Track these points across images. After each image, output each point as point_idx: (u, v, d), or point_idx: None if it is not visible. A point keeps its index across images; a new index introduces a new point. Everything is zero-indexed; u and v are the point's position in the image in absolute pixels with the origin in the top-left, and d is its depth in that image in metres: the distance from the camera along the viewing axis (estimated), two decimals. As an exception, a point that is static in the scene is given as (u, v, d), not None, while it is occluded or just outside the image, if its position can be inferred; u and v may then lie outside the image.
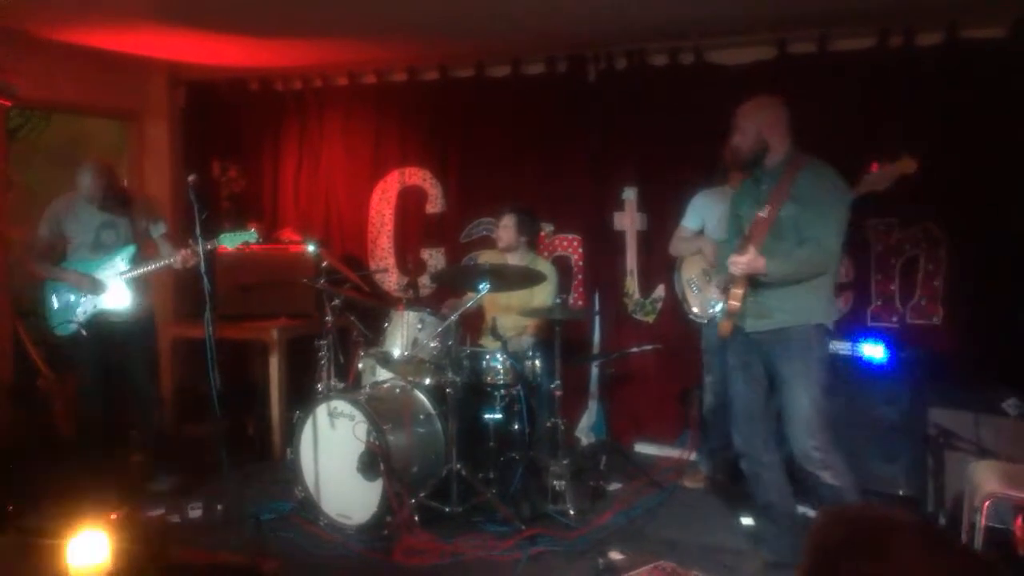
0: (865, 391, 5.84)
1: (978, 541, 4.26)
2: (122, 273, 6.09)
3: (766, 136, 4.79)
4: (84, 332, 6.08)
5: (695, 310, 6.34)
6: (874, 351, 5.89)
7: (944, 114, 6.09)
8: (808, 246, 4.62)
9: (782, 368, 4.76)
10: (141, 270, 6.11)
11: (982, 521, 4.25)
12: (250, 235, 6.07)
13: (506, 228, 6.70)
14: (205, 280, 5.44)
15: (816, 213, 4.61)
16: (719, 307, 5.86)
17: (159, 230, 6.36)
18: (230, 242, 6.03)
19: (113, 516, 5.26)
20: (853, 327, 6.36)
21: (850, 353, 5.98)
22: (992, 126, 5.68)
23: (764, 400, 4.97)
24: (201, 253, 5.50)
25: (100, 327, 6.14)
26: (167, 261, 6.03)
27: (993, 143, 5.68)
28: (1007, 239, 5.68)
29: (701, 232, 6.24)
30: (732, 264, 4.66)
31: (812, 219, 4.61)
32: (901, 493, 5.72)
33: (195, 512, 5.79)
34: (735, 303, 4.75)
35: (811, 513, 5.20)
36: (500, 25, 6.57)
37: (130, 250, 6.15)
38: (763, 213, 4.72)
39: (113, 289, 6.11)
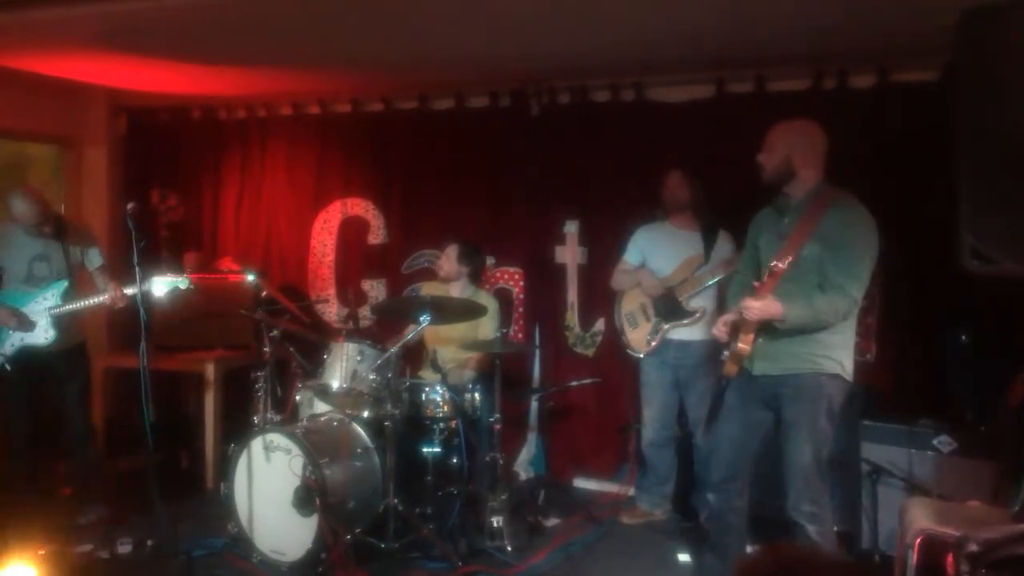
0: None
1: (910, 578, 4.29)
2: (51, 309, 5.93)
3: (795, 162, 4.59)
4: (8, 367, 5.93)
5: (632, 344, 6.35)
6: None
7: (877, 155, 6.17)
8: (832, 293, 4.38)
9: (787, 414, 4.57)
10: (71, 307, 5.95)
11: (914, 558, 4.27)
12: (182, 282, 5.90)
13: (448, 258, 6.69)
14: (141, 310, 5.37)
15: (844, 257, 4.38)
16: (660, 333, 5.92)
17: (95, 263, 6.25)
18: (159, 288, 5.86)
19: (41, 551, 5.21)
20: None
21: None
22: (924, 167, 5.75)
23: (755, 445, 4.82)
24: (138, 293, 5.44)
25: (28, 360, 5.98)
26: (97, 299, 5.90)
27: (925, 184, 5.76)
28: (940, 279, 5.75)
29: (642, 266, 6.27)
30: (746, 309, 4.40)
31: (839, 263, 4.38)
32: (836, 529, 5.73)
33: (125, 548, 5.66)
34: (745, 347, 4.49)
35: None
36: (444, 60, 6.60)
37: (62, 285, 6.00)
38: (785, 251, 4.49)
39: (41, 324, 5.94)
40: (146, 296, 5.53)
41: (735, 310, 4.62)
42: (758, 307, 4.35)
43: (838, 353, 4.52)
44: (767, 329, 4.50)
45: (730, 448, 4.91)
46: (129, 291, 5.68)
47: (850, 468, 5.66)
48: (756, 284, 4.43)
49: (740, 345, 4.50)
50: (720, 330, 4.73)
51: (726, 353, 4.72)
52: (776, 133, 4.67)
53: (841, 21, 5.24)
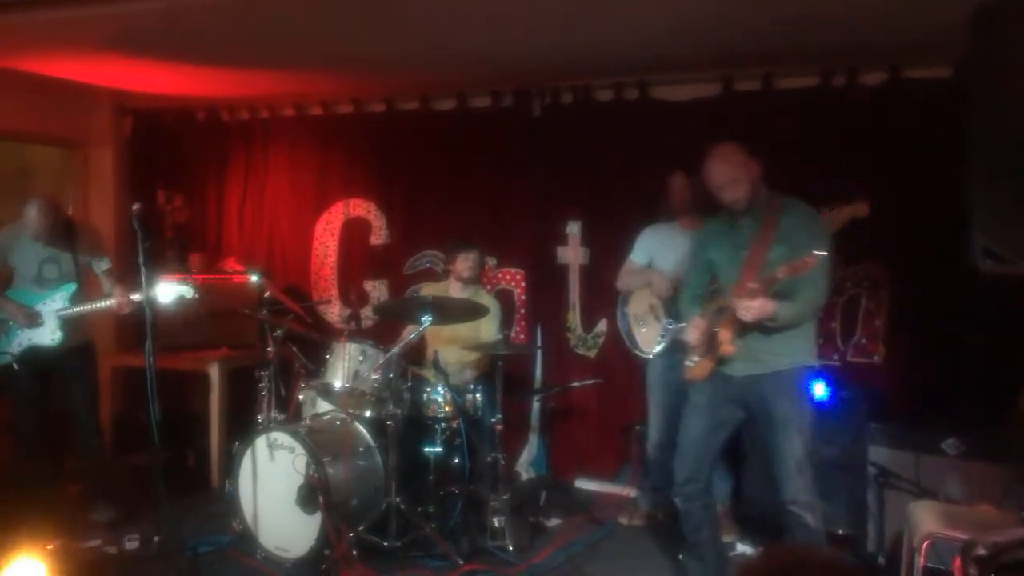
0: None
1: (916, 582, 4.28)
2: (59, 311, 6.01)
3: (756, 181, 4.68)
4: (16, 366, 5.99)
5: (642, 345, 6.33)
6: (815, 389, 5.90)
7: (887, 153, 6.15)
8: (808, 289, 4.51)
9: (775, 411, 4.64)
10: (77, 310, 6.03)
11: (921, 561, 4.25)
12: (187, 291, 5.91)
13: (475, 262, 6.69)
14: (147, 310, 5.38)
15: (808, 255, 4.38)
16: (662, 344, 5.92)
17: (102, 266, 6.30)
18: (166, 297, 5.84)
19: (49, 546, 5.23)
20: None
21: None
22: (934, 166, 5.70)
23: (722, 444, 4.93)
24: (144, 294, 5.45)
25: (36, 358, 6.06)
26: (104, 303, 5.98)
27: (935, 183, 5.73)
28: (948, 279, 5.70)
29: (649, 267, 6.25)
30: (744, 310, 4.45)
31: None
32: (841, 532, 5.70)
33: (132, 544, 5.69)
34: (729, 347, 4.60)
35: (749, 551, 5.23)
36: (446, 60, 6.59)
37: (70, 288, 6.07)
38: (753, 258, 4.62)
39: (49, 325, 6.03)
40: (151, 302, 5.54)
41: (705, 315, 4.77)
42: (756, 306, 4.43)
43: (810, 346, 4.77)
44: (743, 331, 4.62)
45: (693, 449, 4.95)
46: (135, 297, 5.77)
47: (856, 471, 5.63)
48: (752, 286, 4.46)
49: (724, 347, 4.62)
50: (694, 335, 4.82)
51: (695, 359, 4.85)
52: (730, 167, 4.68)
53: (851, 16, 5.19)
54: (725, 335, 4.60)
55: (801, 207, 4.69)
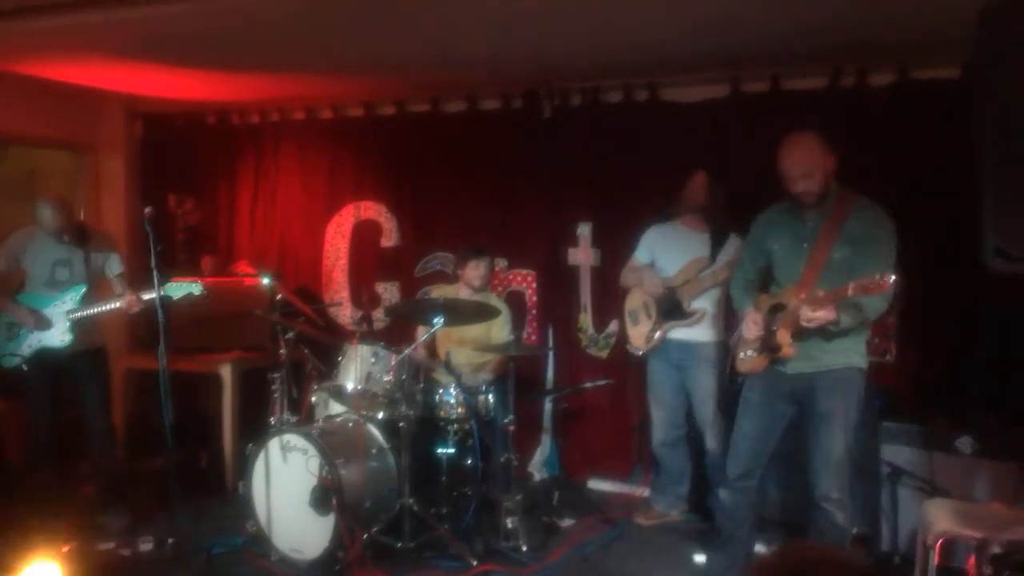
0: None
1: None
2: (69, 312, 6.02)
3: (831, 175, 4.63)
4: (25, 368, 6.01)
5: (632, 341, 6.37)
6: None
7: (895, 154, 6.12)
8: (876, 300, 4.44)
9: (821, 406, 4.65)
10: (87, 311, 6.03)
11: (935, 560, 4.25)
12: (196, 287, 5.94)
13: (485, 269, 6.65)
14: (159, 312, 5.41)
15: (878, 257, 4.43)
16: (660, 332, 5.94)
17: (115, 269, 6.31)
18: (175, 292, 5.86)
19: (64, 548, 5.27)
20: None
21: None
22: (943, 166, 5.69)
23: (775, 442, 4.92)
24: (157, 296, 5.48)
25: (46, 361, 6.06)
26: (113, 304, 5.98)
27: (945, 183, 5.71)
28: (959, 278, 5.69)
29: (651, 265, 6.27)
30: (807, 321, 4.40)
31: (874, 264, 4.37)
32: (855, 531, 5.70)
33: (146, 546, 5.72)
34: (790, 350, 4.60)
35: (764, 550, 5.23)
36: (456, 62, 6.59)
37: (81, 289, 6.08)
38: (817, 258, 4.60)
39: (59, 327, 6.03)
40: (162, 301, 5.57)
41: (760, 310, 4.77)
42: (820, 317, 4.39)
43: (862, 347, 4.71)
44: (803, 333, 4.58)
45: (749, 445, 4.96)
46: (145, 296, 5.78)
47: (870, 470, 5.61)
48: (819, 294, 4.44)
49: (787, 350, 4.61)
50: (752, 331, 4.79)
51: (749, 353, 4.81)
52: (809, 155, 4.63)
53: (860, 16, 5.17)
54: (785, 337, 4.60)
55: (873, 209, 4.64)
